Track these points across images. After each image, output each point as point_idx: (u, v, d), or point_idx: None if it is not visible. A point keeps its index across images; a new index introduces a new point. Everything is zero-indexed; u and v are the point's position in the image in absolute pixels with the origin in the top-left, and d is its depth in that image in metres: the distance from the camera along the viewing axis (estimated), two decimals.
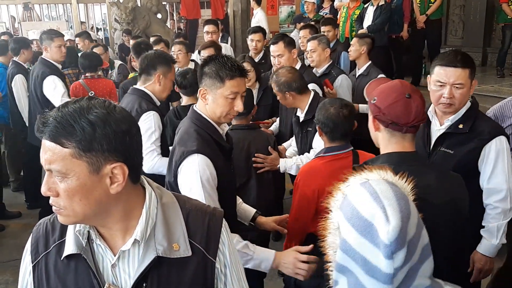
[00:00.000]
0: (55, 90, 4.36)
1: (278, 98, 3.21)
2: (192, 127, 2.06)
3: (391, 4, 7.00)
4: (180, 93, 3.73)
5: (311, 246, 1.89)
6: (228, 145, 2.13)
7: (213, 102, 2.03)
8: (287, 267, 1.91)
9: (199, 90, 2.09)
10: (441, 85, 2.21)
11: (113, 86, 5.02)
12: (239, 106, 2.04)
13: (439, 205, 1.56)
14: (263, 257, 1.91)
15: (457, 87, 2.18)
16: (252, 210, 2.35)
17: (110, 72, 6.29)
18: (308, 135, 3.12)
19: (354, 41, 4.56)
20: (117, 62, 6.51)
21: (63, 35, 4.74)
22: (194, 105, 2.15)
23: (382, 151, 1.76)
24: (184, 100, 3.70)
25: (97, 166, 1.05)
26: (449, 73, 2.17)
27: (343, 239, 1.10)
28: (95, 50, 6.11)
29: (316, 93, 3.31)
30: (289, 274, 1.95)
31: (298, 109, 3.22)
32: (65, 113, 1.04)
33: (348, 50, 4.64)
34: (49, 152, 1.04)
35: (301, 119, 3.16)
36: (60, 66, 4.63)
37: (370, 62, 4.54)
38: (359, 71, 4.56)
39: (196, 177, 1.92)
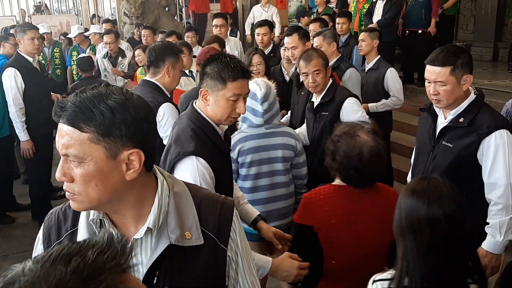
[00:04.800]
0: (11, 82, 4.36)
1: (316, 78, 3.08)
2: (190, 126, 2.00)
3: None
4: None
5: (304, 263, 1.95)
6: (226, 147, 2.07)
7: (215, 104, 1.96)
8: (286, 275, 1.89)
9: (200, 90, 2.02)
10: (429, 82, 2.29)
11: None
12: (241, 108, 1.96)
13: None
14: (261, 264, 1.84)
15: (439, 85, 2.22)
16: (255, 213, 2.29)
17: (120, 59, 6.30)
18: (321, 119, 3.13)
19: (364, 35, 4.51)
20: (130, 54, 6.38)
21: (37, 28, 4.69)
22: (194, 102, 2.09)
23: None
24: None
25: (115, 151, 1.05)
26: (430, 71, 2.25)
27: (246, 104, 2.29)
28: (105, 37, 6.23)
29: (334, 80, 3.32)
30: (285, 281, 1.97)
31: (314, 95, 3.22)
32: (84, 98, 1.04)
33: (359, 45, 4.60)
34: (67, 136, 1.04)
35: (316, 104, 3.16)
36: (31, 59, 4.52)
37: (379, 56, 4.51)
38: (368, 65, 4.53)
39: (194, 180, 1.84)
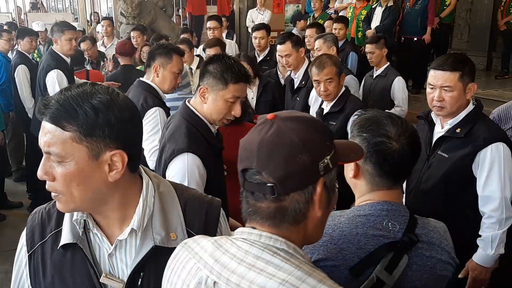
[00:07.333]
0: (55, 85, 4.25)
1: (328, 87, 3.00)
2: (183, 123, 2.02)
3: (416, 4, 6.88)
4: None
5: None
6: (219, 145, 2.10)
7: (213, 103, 2.00)
8: None
9: (199, 88, 2.04)
10: (432, 88, 2.23)
11: (102, 78, 5.08)
12: (237, 110, 2.01)
13: None
14: None
15: (446, 90, 2.18)
16: None
17: (102, 64, 6.26)
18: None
19: (372, 48, 4.42)
20: (110, 54, 6.36)
21: (75, 28, 4.63)
22: (187, 100, 2.11)
23: None
24: None
25: (97, 152, 1.03)
26: (437, 76, 2.20)
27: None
28: (82, 44, 5.95)
29: (347, 88, 3.23)
30: None
31: (325, 101, 3.17)
32: (68, 96, 1.02)
33: (369, 58, 4.52)
34: (49, 134, 1.02)
35: (325, 111, 3.10)
36: (68, 60, 4.47)
37: (388, 63, 4.48)
38: (377, 72, 4.48)
39: (183, 177, 1.87)
